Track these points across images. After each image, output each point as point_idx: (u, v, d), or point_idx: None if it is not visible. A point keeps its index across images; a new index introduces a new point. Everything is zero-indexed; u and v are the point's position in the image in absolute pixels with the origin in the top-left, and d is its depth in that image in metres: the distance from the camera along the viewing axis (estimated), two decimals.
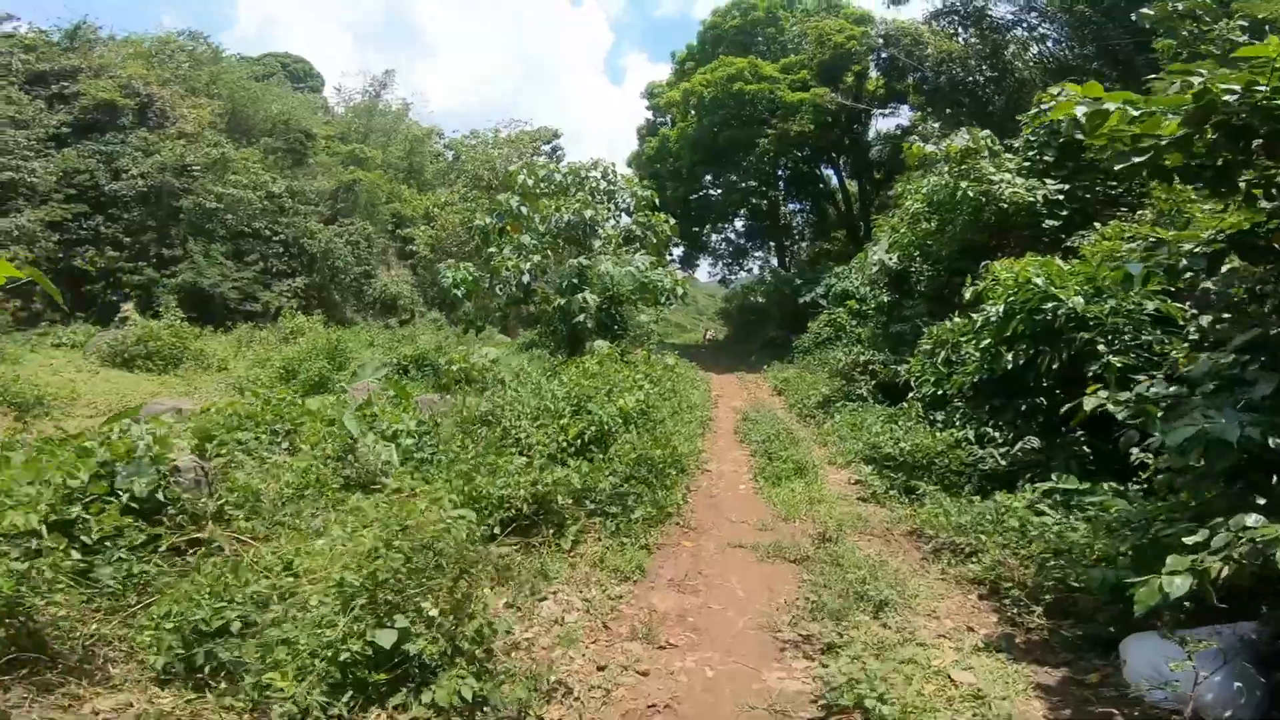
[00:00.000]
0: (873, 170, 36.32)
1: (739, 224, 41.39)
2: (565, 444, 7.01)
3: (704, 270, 43.81)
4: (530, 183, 13.24)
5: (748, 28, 33.72)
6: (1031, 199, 10.51)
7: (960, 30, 29.13)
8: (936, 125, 30.53)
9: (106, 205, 22.50)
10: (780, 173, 34.52)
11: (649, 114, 42.00)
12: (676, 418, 10.80)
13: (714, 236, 40.74)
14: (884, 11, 36.92)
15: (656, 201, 15.17)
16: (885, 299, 13.71)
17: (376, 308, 32.23)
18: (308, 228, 27.69)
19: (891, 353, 13.52)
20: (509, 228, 12.99)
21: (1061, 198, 10.73)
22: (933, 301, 13.00)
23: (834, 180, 37.23)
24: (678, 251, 40.13)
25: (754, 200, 35.78)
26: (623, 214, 14.40)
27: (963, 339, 8.63)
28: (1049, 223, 10.56)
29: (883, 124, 35.70)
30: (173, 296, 22.21)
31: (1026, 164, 11.45)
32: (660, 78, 46.28)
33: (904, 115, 34.52)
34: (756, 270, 40.37)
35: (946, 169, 11.73)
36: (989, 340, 7.59)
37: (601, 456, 6.95)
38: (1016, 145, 12.28)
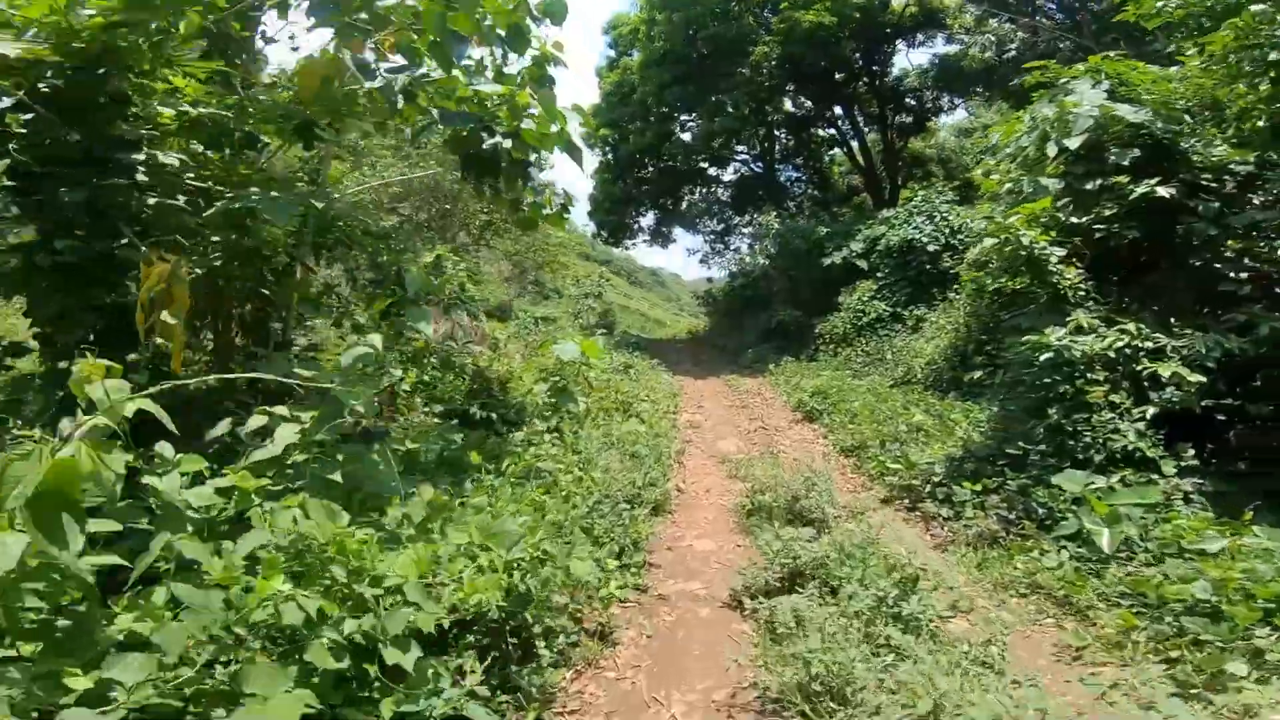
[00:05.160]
0: (901, 113, 27.66)
1: (723, 191, 32.27)
2: None
3: (680, 255, 34.92)
4: None
5: None
6: None
7: None
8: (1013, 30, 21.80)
9: None
10: (785, 94, 25.49)
11: (611, 52, 32.95)
12: None
13: (695, 199, 31.65)
14: None
15: None
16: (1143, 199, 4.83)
17: None
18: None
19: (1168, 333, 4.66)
20: None
21: None
22: None
23: (848, 127, 28.37)
24: (647, 219, 31.32)
25: (746, 136, 26.66)
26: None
27: None
28: None
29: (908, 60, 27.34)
30: None
31: None
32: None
33: (939, 43, 26.02)
34: (745, 249, 31.34)
35: None
36: None
37: None
38: None
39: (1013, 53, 21.73)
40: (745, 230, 33.77)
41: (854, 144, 27.91)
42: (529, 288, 32.77)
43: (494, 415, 5.53)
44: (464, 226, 23.36)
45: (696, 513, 5.79)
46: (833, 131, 29.17)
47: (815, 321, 14.42)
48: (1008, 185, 7.35)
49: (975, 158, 26.10)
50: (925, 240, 12.82)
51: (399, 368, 5.39)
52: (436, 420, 5.34)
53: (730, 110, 23.06)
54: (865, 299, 13.29)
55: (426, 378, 5.84)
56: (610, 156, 29.10)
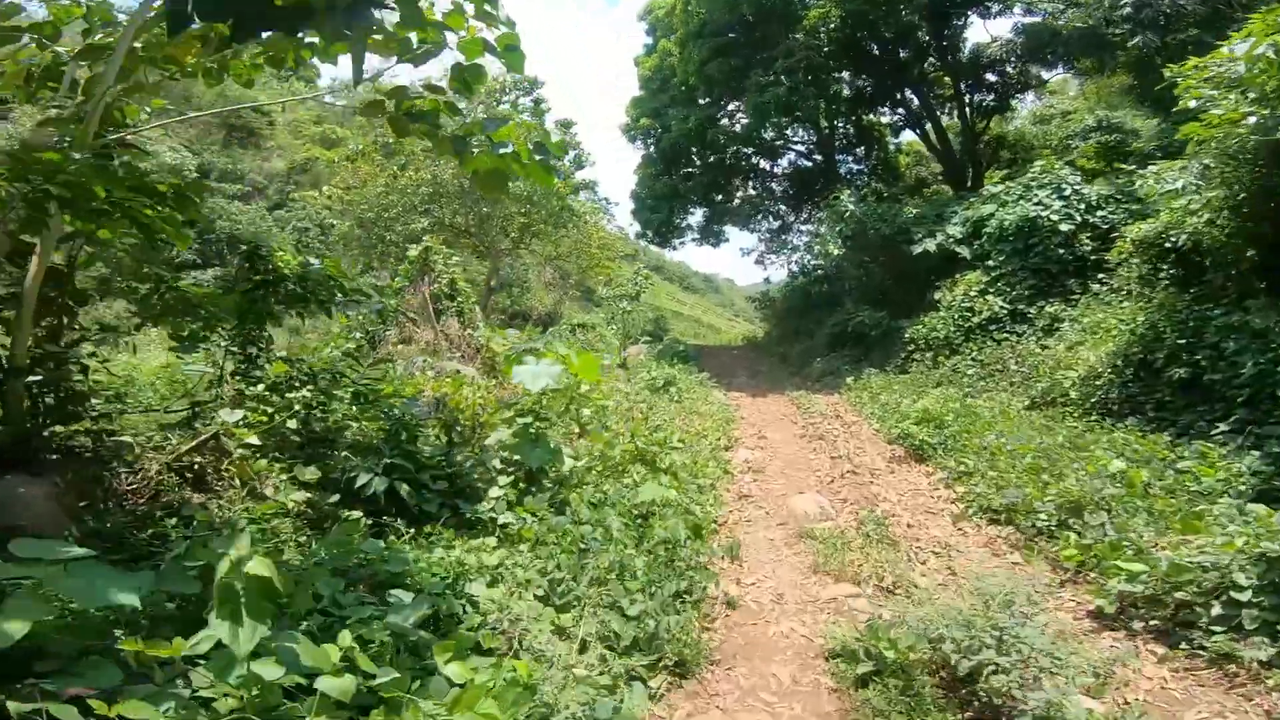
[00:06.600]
0: (980, 90, 24.46)
1: (777, 185, 29.29)
2: None
3: (734, 257, 32.16)
4: None
5: None
6: None
7: None
8: None
9: None
10: (843, 73, 22.64)
11: (648, 39, 30.63)
12: None
13: (747, 193, 28.94)
14: None
15: None
16: None
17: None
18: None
19: None
20: None
21: None
22: None
23: (919, 108, 25.18)
24: (695, 217, 28.61)
25: (802, 116, 23.65)
26: None
27: None
28: None
29: (985, 31, 24.16)
30: None
31: None
32: None
33: (1016, 12, 22.71)
34: (809, 240, 28.37)
35: None
36: None
37: None
38: None
39: (1127, 9, 18.38)
40: (804, 227, 30.78)
41: (928, 127, 24.75)
42: (570, 292, 30.66)
43: (404, 489, 3.10)
44: (503, 230, 21.43)
45: (758, 664, 3.22)
46: (900, 114, 26.09)
47: (903, 324, 11.63)
48: (1253, 118, 4.67)
49: (1061, 143, 22.60)
50: (1055, 219, 9.91)
51: (240, 405, 3.05)
52: (304, 495, 3.00)
53: (784, 82, 20.23)
54: (973, 295, 10.45)
55: (295, 422, 3.41)
56: (652, 149, 26.79)
